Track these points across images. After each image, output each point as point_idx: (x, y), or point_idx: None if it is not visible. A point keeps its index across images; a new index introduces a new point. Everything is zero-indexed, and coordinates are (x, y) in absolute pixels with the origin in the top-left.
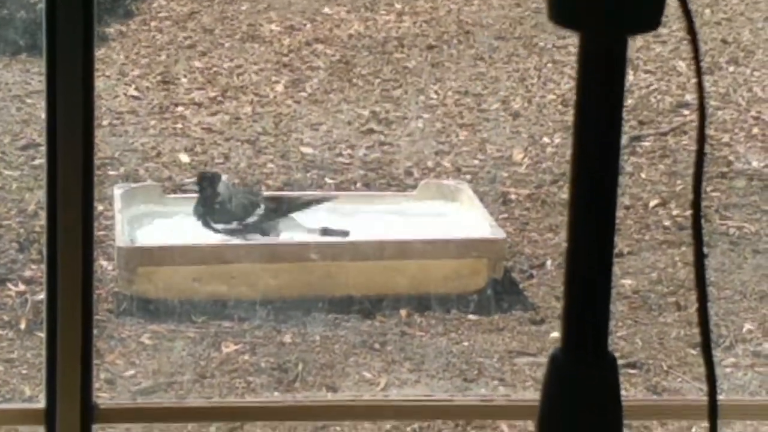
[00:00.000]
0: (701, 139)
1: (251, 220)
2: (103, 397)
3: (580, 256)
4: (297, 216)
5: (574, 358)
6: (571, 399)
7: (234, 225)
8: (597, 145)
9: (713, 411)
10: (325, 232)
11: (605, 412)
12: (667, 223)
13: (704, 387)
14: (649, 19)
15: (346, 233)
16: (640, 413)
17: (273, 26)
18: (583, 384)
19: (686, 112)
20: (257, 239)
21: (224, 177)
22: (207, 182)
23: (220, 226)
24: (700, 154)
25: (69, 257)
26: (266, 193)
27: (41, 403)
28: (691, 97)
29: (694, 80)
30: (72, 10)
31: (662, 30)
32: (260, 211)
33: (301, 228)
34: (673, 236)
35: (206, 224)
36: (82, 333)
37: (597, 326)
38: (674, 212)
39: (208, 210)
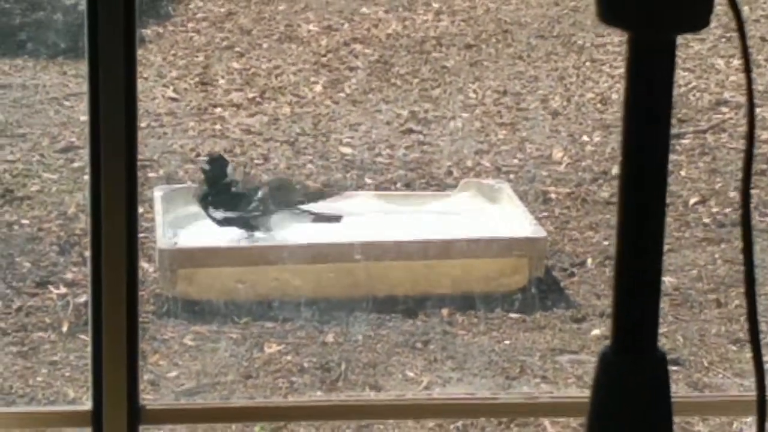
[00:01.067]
0: (751, 135)
1: (250, 207)
2: (146, 399)
3: (630, 253)
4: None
5: (623, 355)
6: (621, 396)
7: (231, 214)
8: (646, 144)
9: (762, 407)
10: (317, 218)
11: (655, 409)
12: (706, 220)
13: (744, 383)
14: (698, 18)
15: (338, 218)
16: (683, 409)
17: (311, 26)
18: (633, 381)
19: (725, 109)
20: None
21: (230, 165)
22: (213, 165)
23: (218, 214)
24: (749, 151)
25: (113, 259)
26: (274, 180)
27: (87, 405)
28: (729, 94)
29: (732, 78)
30: (113, 11)
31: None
32: (259, 195)
33: (295, 219)
34: (712, 233)
35: (206, 211)
36: (127, 334)
37: (646, 324)
38: (714, 209)
39: (210, 196)
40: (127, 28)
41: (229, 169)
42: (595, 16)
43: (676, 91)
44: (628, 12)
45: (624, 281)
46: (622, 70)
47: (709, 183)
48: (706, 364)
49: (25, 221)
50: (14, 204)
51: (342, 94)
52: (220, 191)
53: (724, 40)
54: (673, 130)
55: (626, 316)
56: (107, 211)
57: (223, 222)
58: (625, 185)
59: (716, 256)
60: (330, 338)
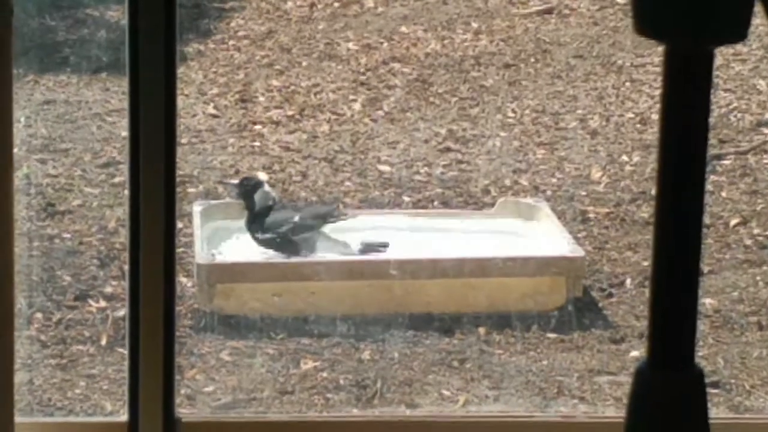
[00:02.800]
0: None
1: (284, 229)
2: (182, 413)
3: (667, 269)
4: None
5: (660, 372)
6: (657, 412)
7: (269, 235)
8: (683, 158)
9: None
10: (366, 248)
11: (693, 427)
12: (748, 242)
13: None
14: (735, 30)
15: (385, 245)
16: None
17: (350, 45)
18: (669, 397)
19: (766, 130)
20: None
21: (266, 186)
22: (243, 189)
23: (259, 235)
24: None
25: (151, 273)
26: (309, 207)
27: (124, 417)
28: None
29: None
30: (154, 28)
31: (742, 48)
32: (295, 219)
33: (340, 244)
34: (754, 255)
35: (250, 233)
36: (163, 347)
37: (683, 340)
38: (755, 231)
39: (250, 219)
40: (168, 44)
41: (258, 196)
42: (632, 30)
43: (716, 112)
44: (664, 24)
45: (661, 296)
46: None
47: (750, 204)
48: (747, 387)
49: (66, 235)
50: (56, 218)
51: (380, 112)
52: (260, 214)
53: (765, 60)
54: (714, 151)
55: (663, 332)
56: (146, 226)
57: (264, 243)
58: (663, 199)
59: (758, 278)
60: (366, 355)
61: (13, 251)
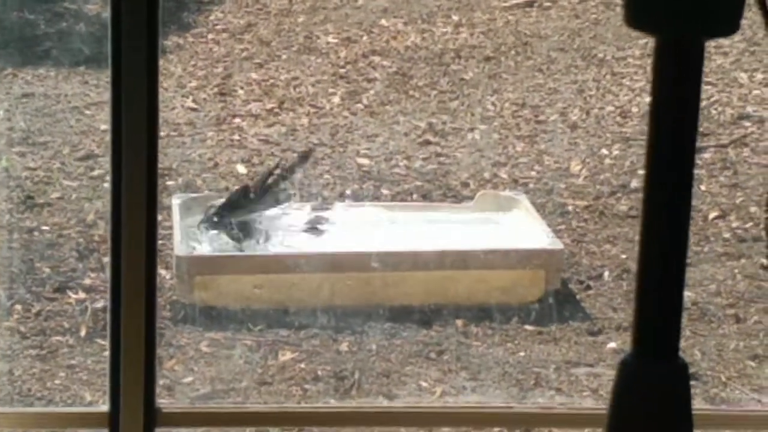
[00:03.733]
0: None
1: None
2: (162, 403)
3: (653, 260)
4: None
5: (644, 363)
6: (642, 404)
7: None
8: (671, 149)
9: None
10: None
11: (676, 417)
12: (726, 235)
13: (763, 399)
14: (727, 23)
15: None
16: (700, 423)
17: (330, 38)
18: (654, 388)
19: (747, 123)
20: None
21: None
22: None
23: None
24: None
25: (132, 264)
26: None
27: (105, 407)
28: (752, 108)
29: (756, 92)
30: (137, 21)
31: (723, 41)
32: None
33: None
34: (732, 248)
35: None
36: (145, 338)
37: (668, 331)
38: (734, 224)
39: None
40: (150, 37)
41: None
42: (622, 22)
43: None
44: (655, 16)
45: (646, 287)
46: (642, 84)
47: (730, 198)
48: (723, 379)
49: (45, 227)
50: (35, 210)
51: (360, 106)
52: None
53: (747, 53)
54: None
55: (648, 323)
56: (127, 218)
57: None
58: (651, 191)
59: (736, 271)
60: (344, 347)
61: None
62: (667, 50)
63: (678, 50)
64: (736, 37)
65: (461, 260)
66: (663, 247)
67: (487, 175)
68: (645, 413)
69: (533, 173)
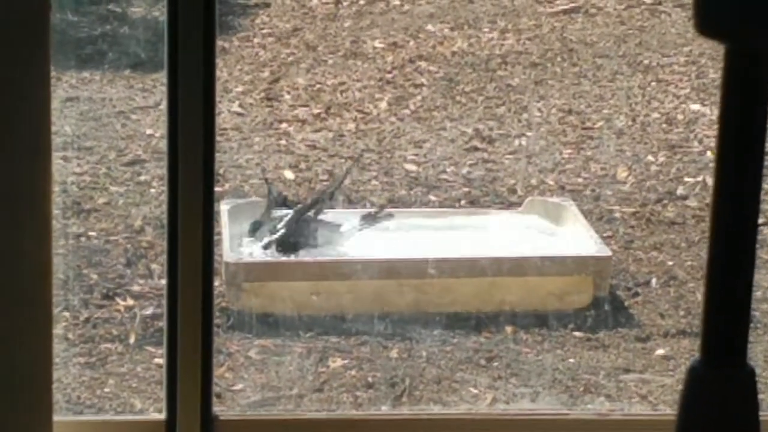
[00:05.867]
0: None
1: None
2: (219, 411)
3: (721, 267)
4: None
5: (713, 369)
6: (711, 410)
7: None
8: (740, 157)
9: None
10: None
11: (744, 423)
12: None
13: None
14: None
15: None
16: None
17: (376, 43)
18: (722, 395)
19: None
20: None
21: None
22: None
23: (264, 240)
24: None
25: (189, 271)
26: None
27: (161, 415)
28: None
29: None
30: (193, 24)
31: None
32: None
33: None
34: None
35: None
36: (201, 345)
37: (737, 338)
38: None
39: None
40: (207, 41)
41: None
42: (693, 29)
43: None
44: (726, 25)
45: (715, 295)
46: (687, 91)
47: None
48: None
49: (92, 233)
50: (81, 216)
51: (407, 111)
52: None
53: None
54: None
55: (716, 330)
56: (183, 225)
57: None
58: (719, 197)
59: None
60: (394, 354)
61: (51, 251)
62: (737, 59)
63: (748, 59)
64: None
65: (508, 267)
66: (731, 254)
67: (534, 181)
68: (713, 419)
69: (580, 180)
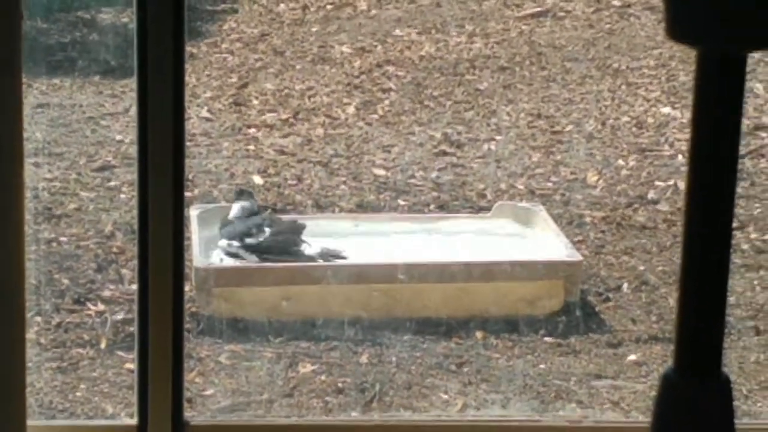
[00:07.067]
0: None
1: (250, 241)
2: (190, 416)
3: (695, 273)
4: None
5: (687, 378)
6: (685, 419)
7: (234, 244)
8: (713, 162)
9: None
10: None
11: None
12: (745, 246)
13: None
14: None
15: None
16: None
17: (344, 48)
18: (697, 404)
19: (764, 134)
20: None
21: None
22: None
23: (223, 242)
24: None
25: (159, 277)
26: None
27: (132, 420)
28: None
29: None
30: (162, 30)
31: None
32: (265, 233)
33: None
34: (751, 260)
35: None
36: (172, 351)
37: (711, 346)
38: (752, 236)
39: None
40: (176, 46)
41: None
42: (664, 34)
43: None
44: (698, 29)
45: (689, 302)
46: (657, 94)
47: (748, 209)
48: (745, 392)
49: (63, 239)
50: (52, 222)
51: (375, 116)
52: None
53: (762, 63)
54: None
55: (690, 338)
56: (154, 230)
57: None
58: (692, 202)
59: (755, 282)
60: (364, 359)
61: (24, 257)
62: (709, 63)
63: (720, 63)
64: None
65: (478, 272)
66: (705, 261)
67: (503, 185)
68: (688, 429)
69: (550, 184)
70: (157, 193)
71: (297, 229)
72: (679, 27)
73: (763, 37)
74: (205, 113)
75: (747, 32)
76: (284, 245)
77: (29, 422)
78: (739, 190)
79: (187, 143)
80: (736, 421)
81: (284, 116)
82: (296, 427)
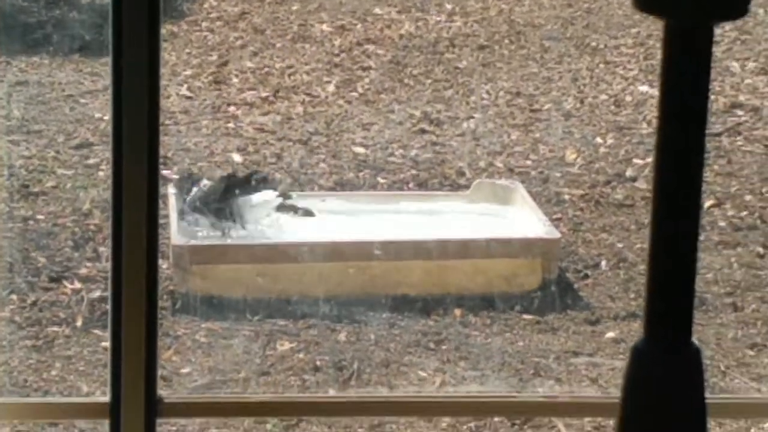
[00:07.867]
0: None
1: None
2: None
3: (664, 246)
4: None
5: (657, 348)
6: (656, 389)
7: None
8: (681, 134)
9: None
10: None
11: (689, 402)
12: (722, 223)
13: (762, 388)
14: (736, 6)
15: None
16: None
17: (324, 26)
18: (667, 374)
19: (740, 112)
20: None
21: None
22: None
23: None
24: None
25: (133, 255)
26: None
27: (105, 398)
28: (744, 97)
29: (748, 81)
30: (138, 8)
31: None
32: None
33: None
34: (728, 237)
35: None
36: (145, 328)
37: (681, 317)
38: (729, 213)
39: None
40: (151, 25)
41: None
42: (632, 5)
43: None
44: (665, 0)
45: (658, 273)
46: (635, 72)
47: (725, 186)
48: (722, 368)
49: (40, 216)
50: (30, 199)
51: (355, 94)
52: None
53: (739, 42)
54: None
55: (660, 309)
56: (128, 207)
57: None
58: (661, 175)
59: (732, 259)
60: (342, 336)
61: None
62: (676, 34)
63: (687, 34)
64: (727, 25)
65: (457, 250)
66: (674, 234)
67: (482, 164)
68: (658, 398)
69: (528, 162)
70: (131, 171)
71: (235, 183)
72: None
73: (729, 7)
74: (185, 91)
75: (713, 3)
76: (214, 195)
77: (1, 399)
78: (716, 167)
79: (167, 121)
80: (713, 395)
81: (264, 94)
82: (271, 404)
